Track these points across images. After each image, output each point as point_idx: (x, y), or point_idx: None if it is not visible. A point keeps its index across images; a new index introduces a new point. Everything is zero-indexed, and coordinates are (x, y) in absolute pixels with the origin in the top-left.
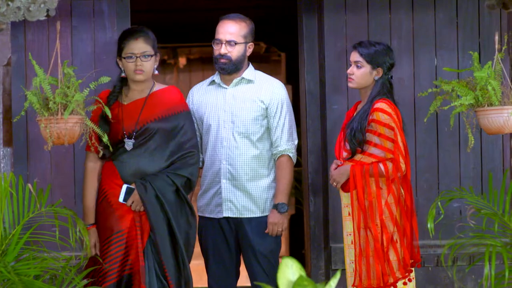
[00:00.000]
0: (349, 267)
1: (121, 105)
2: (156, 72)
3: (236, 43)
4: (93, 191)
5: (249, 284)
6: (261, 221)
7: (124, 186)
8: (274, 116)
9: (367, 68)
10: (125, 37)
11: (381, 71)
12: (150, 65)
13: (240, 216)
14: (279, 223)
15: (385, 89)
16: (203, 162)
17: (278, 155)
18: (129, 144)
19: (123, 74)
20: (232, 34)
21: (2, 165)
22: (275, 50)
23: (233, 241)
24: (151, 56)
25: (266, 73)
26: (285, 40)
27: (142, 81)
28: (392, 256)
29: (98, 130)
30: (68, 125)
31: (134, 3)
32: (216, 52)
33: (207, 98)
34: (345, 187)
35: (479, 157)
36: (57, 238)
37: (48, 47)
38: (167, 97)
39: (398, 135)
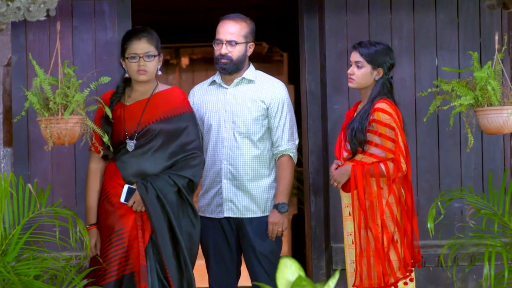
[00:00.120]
0: (350, 267)
1: (123, 105)
2: (160, 72)
3: (236, 43)
4: (95, 192)
5: (250, 284)
6: (262, 221)
7: (126, 186)
8: (275, 116)
9: (367, 68)
10: (128, 38)
11: (382, 71)
12: (153, 65)
13: (241, 216)
14: (279, 223)
15: (385, 89)
16: (203, 162)
17: (279, 155)
18: (130, 145)
19: (126, 75)
20: (233, 34)
21: (2, 165)
22: (277, 50)
23: (234, 241)
24: (154, 56)
25: (269, 73)
26: (287, 40)
27: (145, 82)
28: (393, 256)
29: (98, 130)
30: (68, 125)
31: (136, 3)
32: (216, 52)
33: (207, 98)
34: (345, 187)
35: (480, 157)
36: (57, 238)
37: (49, 47)
38: (170, 98)
39: (398, 135)
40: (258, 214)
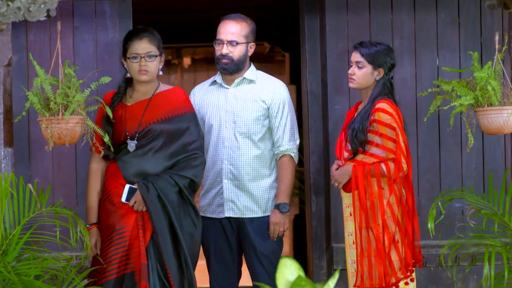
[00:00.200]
0: (351, 267)
1: (124, 106)
2: (161, 72)
3: (237, 43)
4: (96, 192)
5: (250, 284)
6: (263, 221)
7: (127, 186)
8: (275, 116)
9: (368, 68)
10: (129, 38)
11: (382, 72)
12: (154, 65)
13: (242, 216)
14: (280, 223)
15: (386, 89)
16: (205, 162)
17: (280, 155)
18: (131, 145)
19: (128, 75)
20: (234, 34)
21: (3, 165)
22: (279, 50)
23: (235, 241)
24: (156, 56)
25: (270, 74)
26: (289, 40)
27: (146, 82)
28: (394, 256)
29: (99, 130)
30: (69, 126)
31: (137, 3)
32: (217, 53)
33: (208, 98)
34: (346, 187)
35: (481, 157)
36: (57, 238)
37: (49, 47)
38: (172, 98)
39: (399, 135)
40: (259, 214)
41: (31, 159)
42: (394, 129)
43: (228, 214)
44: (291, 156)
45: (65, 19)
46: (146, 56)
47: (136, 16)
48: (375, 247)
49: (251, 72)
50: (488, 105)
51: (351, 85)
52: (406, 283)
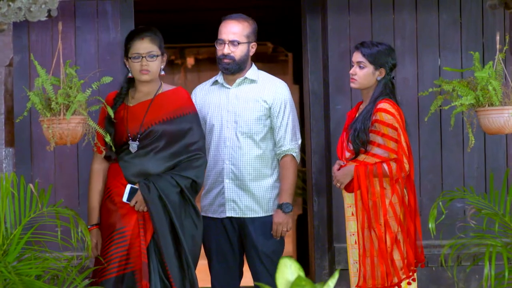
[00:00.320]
0: (353, 267)
1: (126, 107)
2: (163, 72)
3: (239, 43)
4: (98, 192)
5: (252, 284)
6: (265, 221)
7: (128, 186)
8: (277, 116)
9: (370, 68)
10: (131, 37)
11: (384, 72)
12: (156, 65)
13: (243, 216)
14: (283, 223)
15: (387, 89)
16: (206, 163)
17: (282, 155)
18: (133, 146)
19: (130, 75)
20: (235, 34)
21: (4, 166)
22: (282, 50)
23: (236, 241)
24: (157, 56)
25: (274, 74)
26: (292, 40)
27: (148, 82)
28: (396, 256)
29: (100, 130)
30: (70, 126)
31: (139, 3)
32: (219, 52)
33: (210, 98)
34: (348, 187)
35: (483, 157)
36: (59, 239)
37: (51, 47)
38: (174, 99)
39: (401, 135)
40: (261, 214)
41: (33, 159)
42: (396, 129)
43: (229, 214)
44: (293, 156)
45: (67, 19)
46: (148, 56)
47: (139, 16)
48: (377, 247)
49: (253, 72)
50: (489, 105)
51: (352, 85)
52: (409, 283)
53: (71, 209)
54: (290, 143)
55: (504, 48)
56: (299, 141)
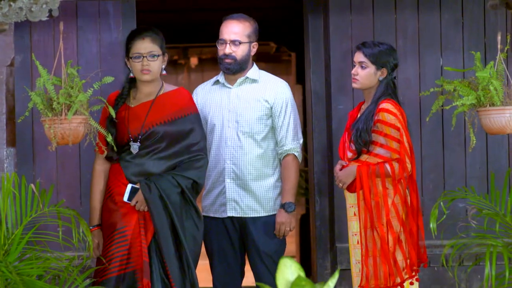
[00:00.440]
0: (355, 267)
1: (128, 107)
2: (164, 72)
3: (240, 43)
4: (100, 193)
5: (254, 284)
6: (266, 221)
7: (129, 186)
8: (279, 116)
9: (371, 68)
10: (132, 37)
11: (385, 72)
12: (157, 65)
13: (245, 216)
14: (286, 223)
15: (389, 89)
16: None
17: (284, 155)
18: (134, 147)
19: (131, 75)
20: (237, 33)
21: (5, 165)
22: (285, 50)
23: (238, 241)
24: (158, 56)
25: (277, 73)
26: (295, 40)
27: (149, 82)
28: (399, 256)
29: (101, 130)
30: (72, 125)
31: (141, 3)
32: (220, 52)
33: (211, 97)
34: (351, 187)
35: (485, 157)
36: (60, 238)
37: (53, 47)
38: (176, 99)
39: (403, 135)
40: (262, 213)
41: (35, 159)
42: (398, 129)
43: (230, 213)
44: (295, 155)
45: (68, 19)
46: (149, 56)
47: (141, 16)
48: (379, 247)
49: (254, 71)
50: (490, 105)
51: (354, 85)
52: (411, 283)
53: (73, 209)
54: (292, 142)
55: (506, 48)
56: (301, 141)
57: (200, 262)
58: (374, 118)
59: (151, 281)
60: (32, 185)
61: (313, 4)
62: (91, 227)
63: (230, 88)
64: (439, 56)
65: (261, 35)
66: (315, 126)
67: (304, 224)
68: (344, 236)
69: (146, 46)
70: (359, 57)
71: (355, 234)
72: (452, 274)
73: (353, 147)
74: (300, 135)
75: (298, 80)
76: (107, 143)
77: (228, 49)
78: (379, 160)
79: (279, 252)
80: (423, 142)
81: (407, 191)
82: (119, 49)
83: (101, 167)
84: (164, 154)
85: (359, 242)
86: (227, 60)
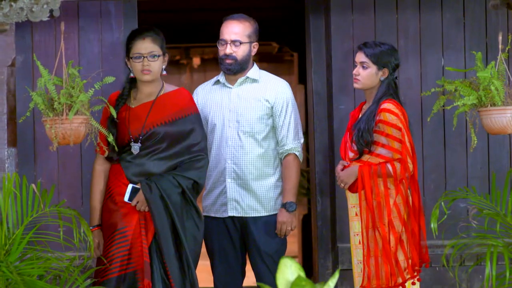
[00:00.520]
0: (357, 267)
1: (128, 108)
2: (164, 72)
3: (241, 43)
4: (100, 194)
5: (255, 284)
6: (267, 221)
7: (130, 186)
8: (279, 115)
9: (373, 68)
10: (132, 37)
11: (387, 72)
12: (157, 65)
13: (246, 216)
14: (288, 222)
15: (390, 89)
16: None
17: (285, 154)
18: (135, 148)
19: (131, 75)
20: (237, 34)
21: (6, 165)
22: (288, 50)
23: (239, 241)
24: (159, 56)
25: (279, 73)
26: (297, 40)
27: (150, 82)
28: (401, 256)
29: (103, 130)
30: (73, 126)
31: (142, 3)
32: (221, 53)
33: (211, 97)
34: (352, 187)
35: (486, 157)
36: (61, 239)
37: (55, 47)
38: (176, 100)
39: (405, 135)
40: (263, 213)
41: (37, 159)
42: (399, 129)
43: (231, 213)
44: (296, 155)
45: (70, 19)
46: (149, 56)
47: (142, 16)
48: (381, 247)
49: (254, 71)
50: (491, 105)
51: (355, 85)
52: (413, 283)
53: (73, 209)
54: (293, 142)
55: (507, 48)
56: (302, 140)
57: (200, 263)
58: (376, 118)
59: (152, 282)
60: (33, 185)
61: (315, 4)
62: (91, 228)
63: (231, 88)
64: (440, 56)
65: (262, 35)
66: (316, 126)
67: (306, 224)
68: (346, 236)
69: (146, 46)
70: (360, 57)
71: (357, 234)
72: (453, 274)
73: (355, 147)
74: (301, 134)
75: (300, 80)
76: (108, 143)
77: (228, 50)
78: (381, 160)
79: (280, 252)
80: (424, 142)
81: (408, 191)
82: (120, 49)
83: (101, 167)
84: (165, 154)
85: (361, 242)
86: (228, 61)
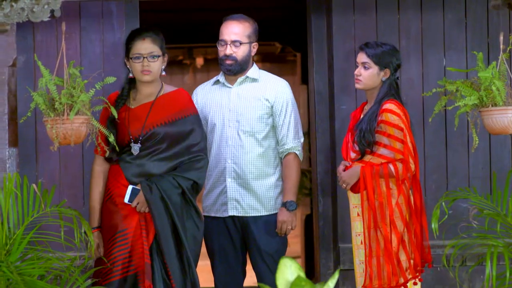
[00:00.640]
0: (359, 267)
1: (128, 108)
2: (164, 73)
3: (241, 43)
4: (99, 195)
5: (255, 284)
6: (267, 220)
7: (130, 187)
8: (279, 115)
9: (374, 69)
10: (132, 38)
11: (388, 72)
12: (157, 65)
13: (246, 215)
14: (288, 221)
15: (392, 90)
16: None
17: (285, 153)
18: (135, 148)
19: (131, 75)
20: (237, 34)
21: (7, 165)
22: (290, 50)
23: (239, 240)
24: (159, 56)
25: (282, 74)
26: (300, 40)
27: (149, 82)
28: (403, 256)
29: (104, 130)
30: (74, 126)
31: (144, 3)
32: (221, 53)
33: (211, 97)
34: (354, 188)
35: (488, 157)
36: (62, 239)
37: (56, 48)
38: (175, 101)
39: (407, 135)
40: (263, 213)
41: (37, 159)
42: (401, 129)
43: (232, 213)
44: (296, 154)
45: (71, 19)
46: (149, 57)
47: (144, 16)
48: (383, 247)
49: (254, 71)
50: (492, 105)
51: (357, 86)
52: (415, 283)
53: (74, 209)
54: (293, 141)
55: (508, 48)
56: (302, 139)
57: (200, 263)
58: (378, 118)
59: (153, 282)
60: (34, 185)
61: (316, 4)
62: (91, 229)
63: (231, 87)
64: (442, 56)
65: (264, 36)
66: (318, 126)
67: (309, 225)
68: (347, 236)
69: (146, 46)
70: (362, 57)
71: (359, 235)
72: (453, 274)
73: (357, 148)
74: (301, 133)
75: (303, 81)
76: (108, 144)
77: (229, 50)
78: (383, 161)
79: (281, 251)
80: (426, 142)
81: (410, 191)
82: (122, 49)
83: (100, 168)
84: (165, 155)
85: (363, 243)
86: (228, 61)
